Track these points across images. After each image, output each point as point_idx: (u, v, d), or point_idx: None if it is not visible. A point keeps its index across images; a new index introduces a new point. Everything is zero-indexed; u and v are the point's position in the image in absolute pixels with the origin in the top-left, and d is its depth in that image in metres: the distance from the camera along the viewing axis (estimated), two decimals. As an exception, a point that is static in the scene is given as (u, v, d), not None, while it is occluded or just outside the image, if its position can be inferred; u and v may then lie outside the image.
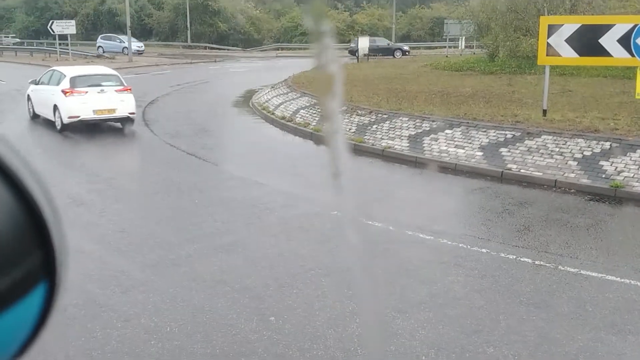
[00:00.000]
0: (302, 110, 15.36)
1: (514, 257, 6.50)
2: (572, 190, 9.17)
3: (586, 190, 9.06)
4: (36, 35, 52.52)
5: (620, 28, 10.82)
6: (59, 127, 13.75)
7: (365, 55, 30.82)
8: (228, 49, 51.38)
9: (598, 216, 8.23)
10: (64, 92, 13.51)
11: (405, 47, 41.77)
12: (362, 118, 13.41)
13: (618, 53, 10.86)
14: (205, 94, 22.45)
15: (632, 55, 10.71)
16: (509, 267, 6.27)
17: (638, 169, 9.18)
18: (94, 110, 13.52)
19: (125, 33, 40.54)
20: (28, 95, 15.84)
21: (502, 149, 10.66)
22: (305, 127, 14.00)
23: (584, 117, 11.70)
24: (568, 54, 11.46)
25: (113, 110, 13.76)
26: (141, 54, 43.63)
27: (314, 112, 14.80)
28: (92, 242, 6.91)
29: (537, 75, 17.09)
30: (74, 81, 13.72)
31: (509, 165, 10.12)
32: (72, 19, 42.00)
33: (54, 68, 15.70)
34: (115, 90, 13.91)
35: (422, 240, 7.05)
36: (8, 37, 52.17)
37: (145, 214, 8.26)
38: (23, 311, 0.46)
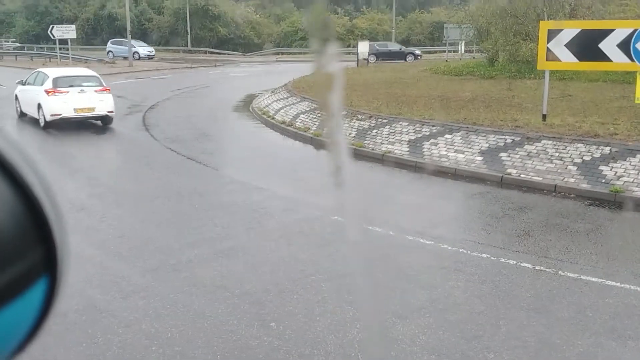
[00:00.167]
0: (302, 115, 15.38)
1: (514, 262, 6.51)
2: (572, 195, 9.18)
3: (586, 195, 9.07)
4: (36, 40, 52.58)
5: (620, 33, 10.85)
6: (42, 125, 14.73)
7: (365, 59, 30.84)
8: (228, 54, 51.49)
9: (598, 221, 8.23)
10: (47, 91, 14.49)
11: (417, 52, 41.90)
12: (362, 123, 13.43)
13: (618, 58, 10.88)
14: (205, 99, 22.49)
15: (632, 60, 10.73)
16: (509, 272, 6.27)
17: (638, 173, 9.19)
18: (74, 109, 14.50)
19: (125, 37, 40.58)
20: (16, 95, 16.76)
21: (501, 154, 10.67)
22: (305, 131, 14.02)
23: (584, 121, 11.71)
24: (568, 58, 11.49)
25: (92, 109, 14.77)
26: (151, 58, 43.57)
27: (314, 116, 14.83)
28: (93, 247, 6.91)
29: (536, 80, 17.13)
30: (56, 82, 14.70)
31: (509, 170, 10.13)
32: (72, 23, 42.07)
33: (39, 69, 16.57)
34: (95, 91, 14.87)
35: (422, 245, 7.06)
36: (8, 41, 52.26)
37: (145, 219, 8.27)
38: (24, 306, 0.47)
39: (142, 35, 49.86)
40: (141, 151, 12.94)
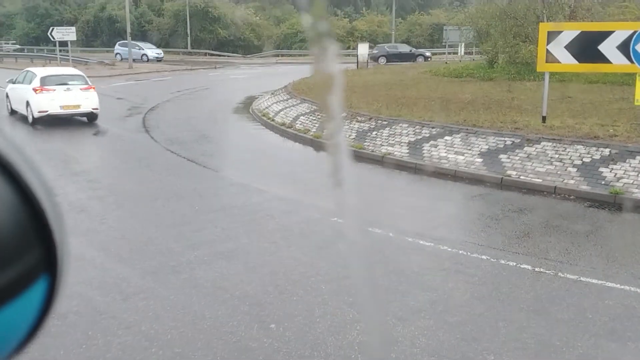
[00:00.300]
0: (302, 117, 15.39)
1: (514, 263, 6.51)
2: (572, 197, 9.18)
3: (586, 197, 9.07)
4: (36, 42, 52.66)
5: (620, 35, 10.86)
6: (30, 121, 15.54)
7: (364, 61, 30.86)
8: (228, 56, 51.52)
9: (598, 223, 8.24)
10: (35, 89, 15.32)
11: (427, 53, 41.90)
12: (362, 124, 13.44)
13: (617, 60, 10.90)
14: (205, 100, 22.50)
15: (631, 61, 10.75)
16: (509, 274, 6.28)
17: (637, 175, 9.20)
18: (60, 106, 15.32)
19: (125, 39, 40.58)
20: (7, 94, 17.52)
21: (501, 156, 10.68)
22: (305, 133, 14.03)
23: (584, 123, 11.72)
24: (567, 60, 11.50)
25: (78, 106, 15.61)
26: (159, 60, 43.40)
27: (314, 118, 14.84)
28: (93, 248, 6.92)
29: (536, 82, 17.14)
30: (44, 80, 15.53)
31: (509, 172, 10.14)
32: (72, 25, 42.10)
33: (28, 69, 17.46)
34: (80, 89, 15.71)
35: (422, 246, 7.06)
36: (8, 43, 52.33)
37: (145, 220, 8.27)
38: (24, 306, 0.47)
39: (142, 37, 49.89)
40: (141, 153, 12.95)
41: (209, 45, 53.42)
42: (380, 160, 11.70)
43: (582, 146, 10.19)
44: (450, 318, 5.26)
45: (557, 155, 10.18)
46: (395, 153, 11.84)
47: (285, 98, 18.43)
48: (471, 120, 12.66)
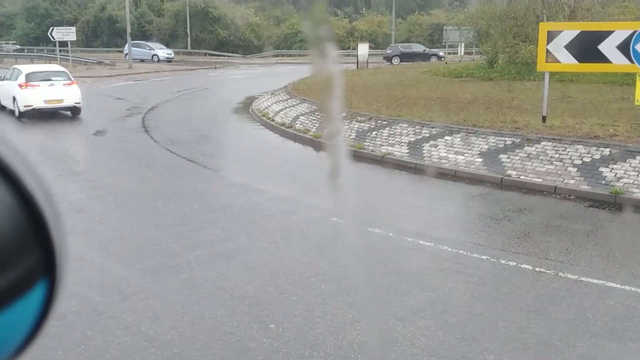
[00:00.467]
0: (302, 117, 15.38)
1: (515, 263, 6.50)
2: (572, 197, 9.17)
3: (586, 197, 9.06)
4: (36, 42, 52.61)
5: (620, 34, 10.85)
6: (17, 115, 16.52)
7: (364, 62, 30.83)
8: (228, 56, 51.51)
9: (598, 222, 8.23)
10: (20, 85, 16.34)
11: (441, 53, 41.83)
12: (361, 124, 13.42)
13: (617, 59, 10.89)
14: (205, 101, 22.49)
15: (631, 61, 10.73)
16: (510, 274, 6.26)
17: (638, 175, 9.19)
18: (44, 100, 16.23)
19: (125, 39, 40.57)
20: None
21: (501, 156, 10.67)
22: (305, 133, 14.02)
23: (584, 123, 11.71)
24: (567, 60, 11.49)
25: (61, 100, 16.57)
26: (170, 61, 43.11)
27: (314, 118, 14.82)
28: (92, 248, 6.90)
29: (536, 82, 17.12)
30: (29, 76, 16.53)
31: (509, 172, 10.12)
32: (72, 25, 42.09)
33: (15, 66, 18.72)
34: (63, 84, 16.68)
35: (422, 246, 7.04)
36: (8, 43, 52.29)
37: (145, 220, 8.26)
38: (23, 309, 0.46)
39: (142, 37, 49.85)
40: (141, 153, 12.94)
41: (209, 46, 53.41)
42: (380, 160, 11.69)
43: (582, 146, 10.18)
44: (450, 318, 5.25)
45: (557, 155, 10.17)
46: (395, 153, 11.83)
47: (285, 98, 18.42)
48: (471, 120, 12.65)
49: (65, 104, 16.67)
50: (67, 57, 36.29)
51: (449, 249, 6.92)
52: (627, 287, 5.85)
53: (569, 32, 11.55)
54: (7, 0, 60.98)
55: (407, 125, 12.82)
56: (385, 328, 4.77)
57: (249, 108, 19.14)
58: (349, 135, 12.79)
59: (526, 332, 4.99)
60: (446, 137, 11.78)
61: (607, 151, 9.87)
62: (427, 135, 12.15)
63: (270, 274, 6.22)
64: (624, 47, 10.74)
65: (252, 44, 54.95)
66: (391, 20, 52.84)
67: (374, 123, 13.39)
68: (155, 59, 43.23)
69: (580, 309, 5.43)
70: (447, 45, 39.71)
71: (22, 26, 57.23)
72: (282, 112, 16.53)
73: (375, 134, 12.88)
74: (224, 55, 51.29)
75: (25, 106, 16.14)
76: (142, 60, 42.48)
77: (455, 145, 11.44)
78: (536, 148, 10.52)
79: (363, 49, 31.97)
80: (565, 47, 11.36)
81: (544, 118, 12.00)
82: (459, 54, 38.49)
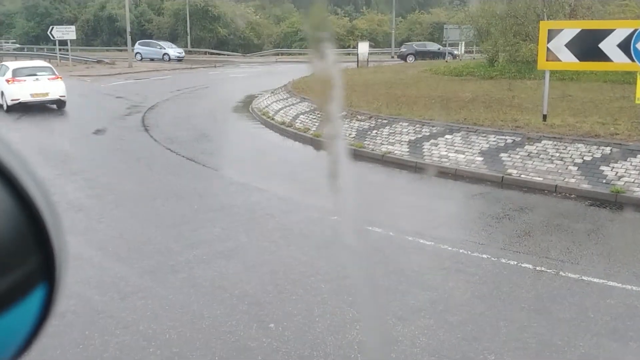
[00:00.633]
0: (301, 116, 15.35)
1: (515, 262, 6.47)
2: (573, 196, 9.14)
3: (587, 196, 9.04)
4: (36, 41, 52.57)
5: (620, 33, 10.82)
6: (5, 108, 17.41)
7: (365, 60, 30.79)
8: (228, 54, 51.45)
9: (599, 221, 8.20)
10: (7, 81, 17.35)
11: (456, 52, 41.75)
12: (362, 123, 13.40)
13: (618, 58, 10.85)
14: (205, 99, 22.46)
15: (632, 60, 10.70)
16: (510, 273, 6.24)
17: (638, 174, 9.16)
18: (30, 94, 17.21)
19: (125, 38, 40.49)
20: None
21: (502, 154, 10.64)
22: (305, 132, 13.99)
23: (584, 122, 11.69)
24: (568, 58, 11.46)
25: (46, 94, 17.54)
26: (180, 60, 42.70)
27: (314, 117, 14.80)
28: (91, 247, 6.88)
29: (536, 80, 17.09)
30: (15, 72, 17.64)
31: (509, 171, 10.10)
32: (72, 24, 42.06)
33: (3, 63, 19.91)
34: (48, 79, 17.71)
35: (422, 246, 7.02)
36: (8, 42, 52.27)
37: (144, 220, 8.23)
38: (21, 313, 0.46)
39: (142, 36, 49.81)
40: (140, 152, 12.91)
41: (209, 44, 53.35)
42: (380, 159, 11.67)
43: (582, 145, 10.15)
44: (450, 317, 5.23)
45: (557, 154, 10.15)
46: (396, 152, 11.80)
47: (285, 97, 18.39)
48: (472, 118, 12.62)
49: (50, 97, 17.59)
50: (67, 56, 36.25)
51: (450, 248, 6.89)
52: (628, 286, 5.83)
53: (569, 31, 11.52)
54: (7, -1, 60.97)
55: (407, 124, 12.80)
56: (385, 327, 4.74)
57: (249, 107, 19.10)
58: (349, 134, 12.77)
59: (527, 331, 4.97)
60: (446, 136, 11.76)
61: (607, 150, 9.84)
62: (428, 134, 12.13)
63: (270, 273, 6.20)
64: (625, 46, 10.71)
65: (252, 42, 54.88)
66: (391, 19, 52.74)
67: (374, 122, 13.37)
68: (166, 58, 42.80)
69: (581, 308, 5.41)
70: (448, 43, 39.62)
71: (22, 25, 57.19)
72: (282, 111, 16.50)
73: (376, 132, 12.86)
74: (224, 54, 51.23)
75: (12, 100, 17.12)
76: (152, 60, 42.13)
77: (455, 144, 11.41)
78: (537, 147, 10.50)
79: (363, 47, 31.92)
80: (566, 45, 11.34)
81: (544, 117, 11.97)
82: (459, 53, 38.45)
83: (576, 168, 9.70)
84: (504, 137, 11.10)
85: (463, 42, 35.82)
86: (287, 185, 9.90)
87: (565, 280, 6.03)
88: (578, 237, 7.49)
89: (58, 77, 17.99)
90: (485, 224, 8.12)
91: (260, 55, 51.70)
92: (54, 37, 34.99)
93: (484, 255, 6.66)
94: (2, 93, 17.55)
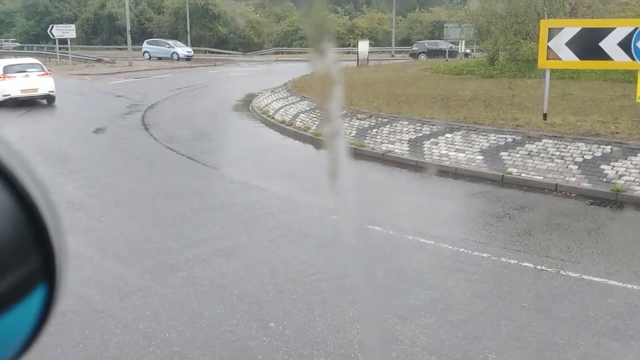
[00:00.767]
0: (302, 115, 15.34)
1: (515, 261, 6.47)
2: (573, 195, 9.14)
3: (587, 194, 9.03)
4: (36, 40, 52.57)
5: (621, 31, 10.80)
6: None
7: (365, 59, 30.78)
8: (228, 53, 51.44)
9: (599, 220, 8.19)
10: None
11: (468, 50, 41.71)
12: (362, 122, 13.39)
13: (618, 56, 10.84)
14: (205, 98, 22.45)
15: (633, 58, 10.69)
16: (510, 272, 6.23)
17: (639, 172, 9.15)
18: (21, 90, 17.96)
19: (125, 37, 40.46)
20: None
21: (502, 153, 10.63)
22: (305, 131, 13.98)
23: (585, 120, 11.67)
24: (568, 57, 11.44)
25: (36, 90, 18.29)
26: (189, 59, 42.35)
27: (314, 116, 14.79)
28: (91, 247, 6.87)
29: (537, 79, 17.07)
30: (6, 69, 18.24)
31: (510, 169, 10.09)
32: (72, 23, 42.01)
33: None
34: (38, 75, 18.43)
35: (422, 245, 7.01)
36: (8, 41, 52.21)
37: (144, 219, 8.22)
38: (22, 314, 0.46)
39: (142, 35, 49.78)
40: (140, 151, 12.90)
41: (209, 43, 53.34)
42: (380, 158, 11.66)
43: (583, 143, 10.14)
44: (451, 316, 5.22)
45: (558, 153, 10.14)
46: (396, 150, 11.79)
47: (285, 96, 18.38)
48: (472, 117, 12.61)
49: (39, 92, 18.33)
50: (67, 55, 36.23)
51: (450, 247, 6.89)
52: (628, 285, 5.82)
53: (570, 29, 11.50)
54: (7, -2, 60.91)
55: (407, 122, 12.78)
56: (385, 326, 4.74)
57: (249, 106, 19.09)
58: (349, 133, 12.75)
59: (527, 330, 4.96)
60: (447, 135, 11.75)
61: (608, 149, 9.83)
62: (428, 132, 12.12)
63: (270, 272, 6.19)
64: (625, 44, 10.69)
65: (252, 41, 54.87)
66: (391, 17, 52.72)
67: (374, 120, 13.36)
68: (175, 57, 42.47)
69: (582, 307, 5.40)
70: (448, 42, 39.60)
71: (21, 24, 57.18)
72: (282, 110, 16.49)
73: (376, 131, 12.85)
74: (224, 53, 51.22)
75: (3, 95, 17.85)
76: (160, 59, 41.88)
77: (455, 143, 11.40)
78: (537, 145, 10.49)
79: (363, 46, 31.90)
80: (566, 44, 11.32)
81: (544, 115, 11.96)
82: (459, 51, 38.42)
83: (576, 167, 9.69)
84: (504, 135, 11.09)
85: (463, 41, 35.79)
86: (287, 184, 9.89)
87: (565, 279, 6.03)
88: (578, 236, 7.48)
89: (47, 74, 18.62)
90: (485, 222, 8.11)
91: (261, 54, 51.70)
92: (54, 36, 34.96)
93: (485, 254, 6.66)
94: None
